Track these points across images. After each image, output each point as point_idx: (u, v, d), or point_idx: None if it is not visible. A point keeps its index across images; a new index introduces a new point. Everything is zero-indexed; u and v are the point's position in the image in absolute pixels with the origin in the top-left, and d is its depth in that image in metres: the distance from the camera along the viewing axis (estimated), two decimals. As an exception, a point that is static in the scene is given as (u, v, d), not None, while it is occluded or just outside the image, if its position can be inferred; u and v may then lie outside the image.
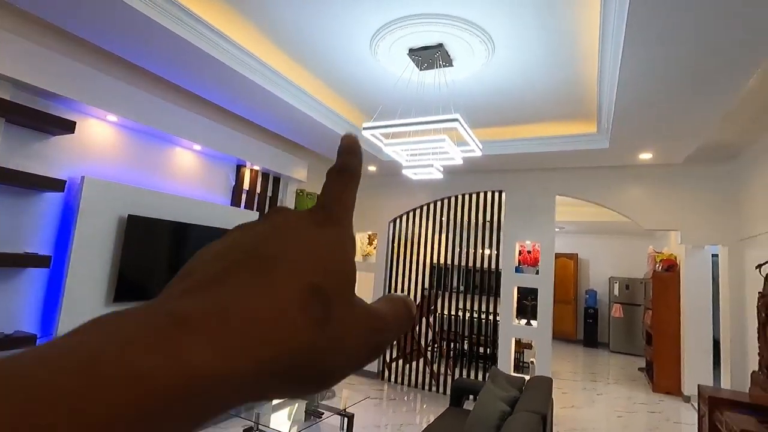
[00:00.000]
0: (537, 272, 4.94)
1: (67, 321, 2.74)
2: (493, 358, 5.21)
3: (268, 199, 4.63)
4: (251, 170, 4.36)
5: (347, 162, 0.26)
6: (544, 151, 4.25)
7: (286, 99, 3.40)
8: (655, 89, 2.69)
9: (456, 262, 5.55)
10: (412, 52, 2.81)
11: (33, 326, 2.71)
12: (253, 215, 4.24)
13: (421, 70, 2.98)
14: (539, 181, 5.01)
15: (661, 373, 5.93)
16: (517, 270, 5.05)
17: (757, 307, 3.47)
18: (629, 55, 2.30)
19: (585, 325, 9.47)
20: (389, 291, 5.83)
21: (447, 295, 5.69)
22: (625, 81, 2.60)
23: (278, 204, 4.75)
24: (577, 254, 10.03)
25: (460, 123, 2.42)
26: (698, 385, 3.75)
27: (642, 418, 4.82)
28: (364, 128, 2.67)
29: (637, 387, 6.21)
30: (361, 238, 6.27)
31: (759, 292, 3.46)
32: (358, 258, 6.10)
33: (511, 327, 4.98)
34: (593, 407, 5.13)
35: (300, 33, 2.76)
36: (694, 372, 5.47)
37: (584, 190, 4.81)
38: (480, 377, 5.27)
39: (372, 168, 5.58)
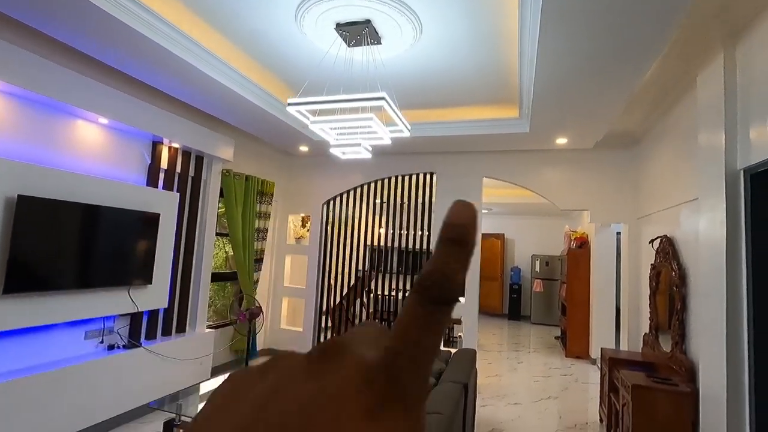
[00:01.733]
0: (465, 251, 5.15)
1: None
2: (424, 335, 5.40)
3: (190, 179, 4.32)
4: (170, 147, 4.04)
5: (469, 236, 0.19)
6: (471, 134, 4.40)
7: (205, 71, 3.16)
8: (568, 76, 2.87)
9: (394, 244, 5.63)
10: (340, 27, 2.73)
11: None
12: (173, 196, 3.95)
13: (349, 46, 2.91)
14: (467, 164, 5.20)
15: (573, 340, 6.55)
16: (447, 249, 5.23)
17: (649, 277, 3.92)
18: (545, 42, 2.42)
19: (510, 300, 10.16)
20: (323, 273, 5.79)
21: (387, 276, 5.76)
22: (542, 66, 2.74)
23: (201, 184, 4.47)
24: (503, 234, 10.65)
25: (387, 102, 2.41)
26: (601, 348, 4.18)
27: (556, 381, 5.30)
28: (288, 104, 2.57)
29: (552, 354, 6.81)
30: (294, 220, 6.12)
31: (651, 264, 3.91)
32: (290, 241, 5.97)
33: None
34: (515, 375, 5.54)
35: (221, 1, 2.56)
36: (600, 337, 6.10)
37: (509, 172, 5.08)
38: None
39: (303, 148, 5.43)
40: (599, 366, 5.94)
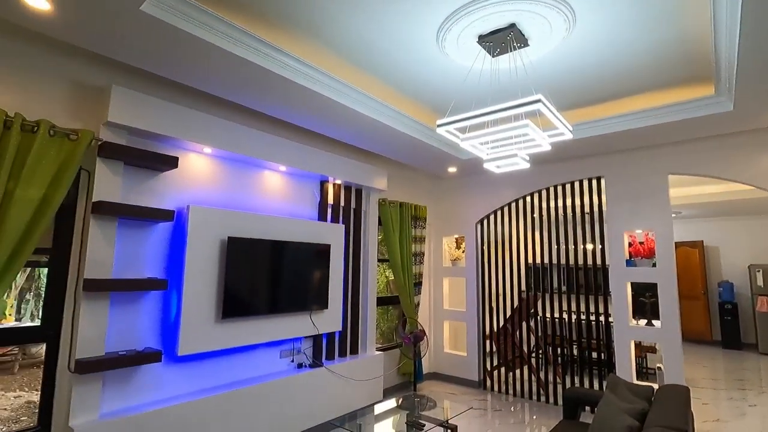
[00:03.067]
0: (654, 264, 4.31)
1: (186, 337, 3.02)
2: (609, 364, 4.64)
3: (352, 210, 4.71)
4: (334, 184, 4.48)
5: None
6: (649, 124, 3.71)
7: (359, 110, 3.44)
8: (793, 27, 2.18)
9: (554, 260, 5.09)
10: (482, 38, 2.64)
11: (155, 343, 3.02)
12: (340, 228, 4.34)
13: (493, 56, 2.79)
14: (645, 161, 4.40)
15: (839, 380, 4.78)
16: (629, 263, 4.47)
17: None
18: (753, -11, 1.88)
19: (722, 323, 8.09)
20: (483, 295, 5.56)
21: (547, 296, 5.24)
22: (752, 23, 2.14)
23: (362, 215, 4.82)
24: (702, 242, 8.67)
25: (543, 103, 2.19)
26: None
27: (818, 436, 3.90)
28: (438, 125, 2.56)
29: (804, 396, 5.08)
30: (448, 242, 6.10)
31: None
32: (446, 263, 5.94)
33: (627, 328, 4.39)
34: (746, 420, 4.29)
35: (362, 40, 2.76)
36: None
37: (706, 164, 4.10)
38: (595, 386, 4.73)
39: (452, 169, 5.42)
40: None
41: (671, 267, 4.19)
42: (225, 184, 3.56)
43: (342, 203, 4.56)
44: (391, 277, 5.81)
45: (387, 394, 4.93)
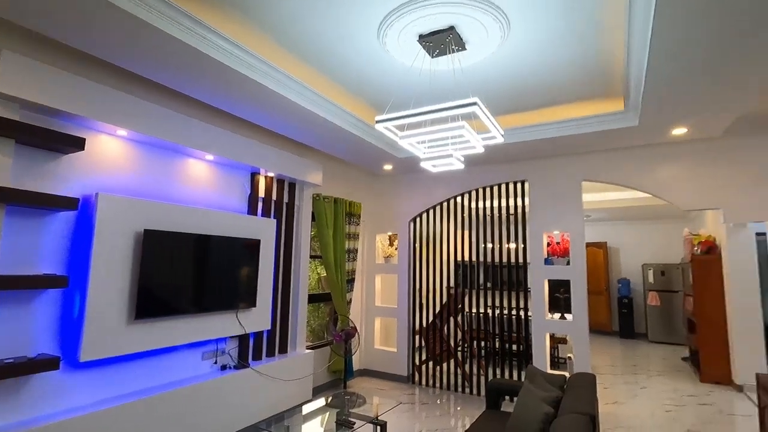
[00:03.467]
0: (568, 263, 4.71)
1: (91, 341, 2.69)
2: (527, 356, 4.99)
3: (284, 205, 4.55)
4: (266, 177, 4.29)
5: None
6: (568, 134, 4.03)
7: (295, 100, 3.31)
8: (689, 57, 2.47)
9: (481, 258, 5.35)
10: (423, 38, 2.67)
11: (54, 348, 2.67)
12: (271, 222, 4.16)
13: (432, 57, 2.83)
14: (563, 168, 4.78)
15: (709, 362, 5.59)
16: (547, 262, 4.82)
17: (819, 285, 3.17)
18: (662, 17, 2.10)
19: (620, 316, 9.09)
20: (414, 292, 5.68)
21: (474, 292, 5.49)
22: (657, 47, 2.39)
23: (295, 209, 4.67)
24: (606, 243, 9.66)
25: (479, 107, 2.26)
26: (756, 374, 3.45)
27: (692, 411, 4.52)
28: (377, 122, 2.54)
29: (682, 378, 5.88)
30: (381, 240, 6.14)
31: (819, 270, 3.16)
32: (379, 260, 5.98)
33: (544, 322, 4.75)
34: (637, 402, 4.84)
35: (304, 30, 2.66)
36: (745, 360, 5.12)
37: (614, 173, 4.56)
38: (515, 376, 5.06)
39: (387, 167, 5.45)
40: (749, 395, 4.96)
41: (582, 265, 4.60)
42: (142, 172, 3.23)
43: (274, 197, 4.39)
44: (323, 274, 5.72)
45: (317, 392, 4.84)
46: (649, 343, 8.43)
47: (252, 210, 4.12)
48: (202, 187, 3.70)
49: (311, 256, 5.08)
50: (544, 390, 2.83)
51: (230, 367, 3.78)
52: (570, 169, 4.75)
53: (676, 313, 8.25)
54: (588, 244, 9.57)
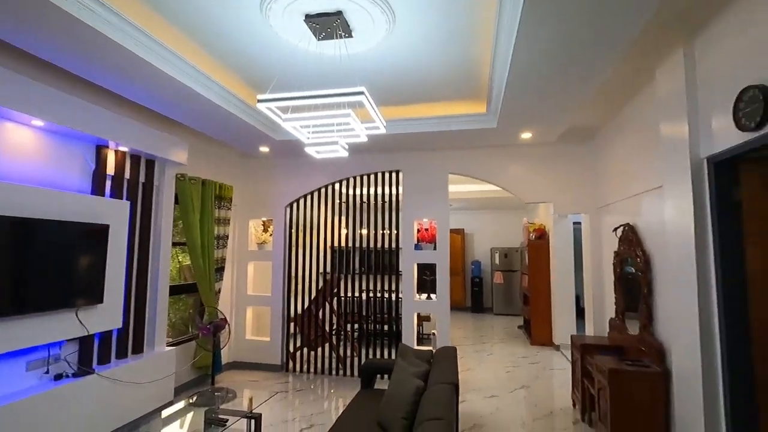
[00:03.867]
0: (434, 248, 5.16)
1: None
2: (397, 335, 5.34)
3: (141, 185, 3.96)
4: (117, 152, 3.67)
5: None
6: (440, 130, 4.37)
7: (156, 64, 2.87)
8: (541, 70, 2.90)
9: (357, 244, 5.51)
10: (309, 18, 2.58)
11: None
12: (123, 205, 3.59)
13: (319, 39, 2.76)
14: (433, 160, 5.19)
15: (537, 329, 6.78)
16: (416, 247, 5.21)
17: (613, 263, 4.10)
18: (523, 35, 2.41)
19: (472, 293, 10.37)
20: (289, 279, 5.56)
21: (349, 277, 5.63)
22: (517, 60, 2.74)
23: (154, 190, 4.12)
24: (463, 229, 10.85)
25: (366, 97, 2.29)
26: (571, 335, 4.32)
27: (526, 370, 5.44)
28: (258, 101, 2.38)
29: (517, 343, 7.01)
30: (255, 225, 5.83)
31: (614, 251, 4.08)
32: (253, 247, 5.69)
33: (413, 303, 5.14)
34: (485, 366, 5.62)
35: (173, -16, 2.32)
36: (562, 324, 6.35)
37: (475, 168, 5.12)
38: (387, 355, 5.37)
39: (264, 149, 5.17)
40: (564, 352, 6.18)
41: (446, 250, 5.09)
42: (-68, 135, 2.46)
43: (127, 175, 3.79)
44: (186, 262, 5.19)
45: (180, 392, 4.42)
46: (494, 315, 9.82)
47: (98, 190, 3.49)
48: (28, 159, 2.99)
49: (174, 243, 4.56)
50: (415, 365, 3.07)
51: (68, 376, 3.18)
52: (439, 162, 5.17)
53: (515, 289, 9.76)
54: (450, 231, 10.62)
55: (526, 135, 4.53)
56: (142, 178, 3.97)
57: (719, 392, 2.38)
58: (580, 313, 6.19)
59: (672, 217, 2.79)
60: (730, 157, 2.29)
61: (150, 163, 4.06)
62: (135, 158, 3.87)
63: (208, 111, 3.73)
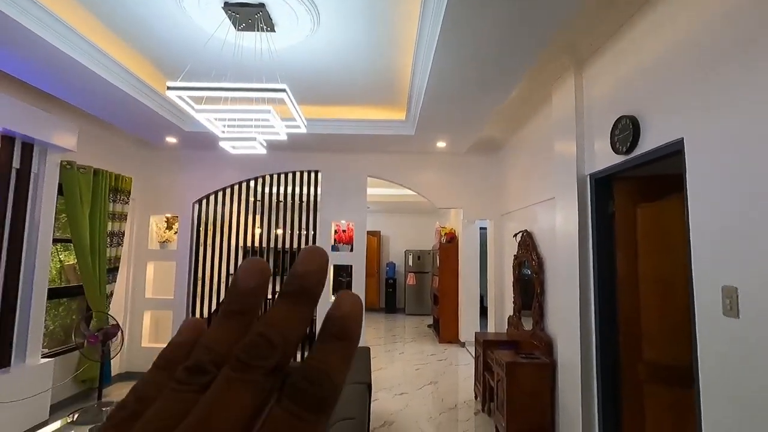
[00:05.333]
0: (351, 249, 5.20)
1: None
2: (311, 336, 5.27)
3: (14, 171, 3.41)
4: (-18, 131, 3.12)
5: (353, 330, 0.19)
6: (359, 133, 4.43)
7: (38, 32, 2.50)
8: (456, 84, 3.10)
9: (272, 244, 5.33)
10: (229, 6, 2.46)
11: None
12: (-10, 194, 3.06)
13: (237, 29, 2.64)
14: (353, 163, 5.23)
15: (445, 327, 7.17)
16: (333, 249, 5.20)
17: (513, 266, 4.50)
18: (442, 48, 2.56)
19: (386, 294, 10.62)
20: (194, 280, 5.19)
21: (262, 278, 5.41)
22: (435, 74, 2.89)
23: (31, 178, 3.57)
24: (380, 231, 11.07)
25: (288, 94, 2.25)
26: (475, 332, 4.65)
27: (433, 367, 5.73)
28: (168, 88, 2.20)
29: (427, 341, 7.34)
30: (157, 222, 5.34)
31: (514, 255, 4.49)
32: (154, 246, 5.22)
33: (328, 304, 5.10)
34: (396, 365, 5.80)
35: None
36: (467, 322, 6.80)
37: (392, 172, 5.28)
38: (301, 357, 5.26)
39: (171, 139, 4.77)
40: (469, 349, 6.63)
41: (363, 252, 5.16)
42: None
43: (-3, 159, 3.24)
44: (68, 262, 4.58)
45: (59, 409, 3.87)
46: (406, 315, 10.17)
47: (-45, 174, 2.93)
48: None
49: (55, 240, 3.99)
50: (328, 367, 3.07)
51: None
52: (358, 164, 5.23)
53: (426, 290, 10.21)
54: (367, 233, 10.76)
55: (441, 144, 4.79)
56: (16, 164, 3.42)
57: (593, 379, 2.75)
58: (483, 311, 6.69)
59: (561, 225, 3.16)
60: (607, 175, 2.67)
61: (27, 147, 3.51)
62: (7, 140, 3.32)
63: (106, 93, 3.35)
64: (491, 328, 5.46)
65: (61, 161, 3.83)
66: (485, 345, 4.20)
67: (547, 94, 3.51)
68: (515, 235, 4.42)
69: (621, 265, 2.64)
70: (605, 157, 2.66)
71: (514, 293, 4.46)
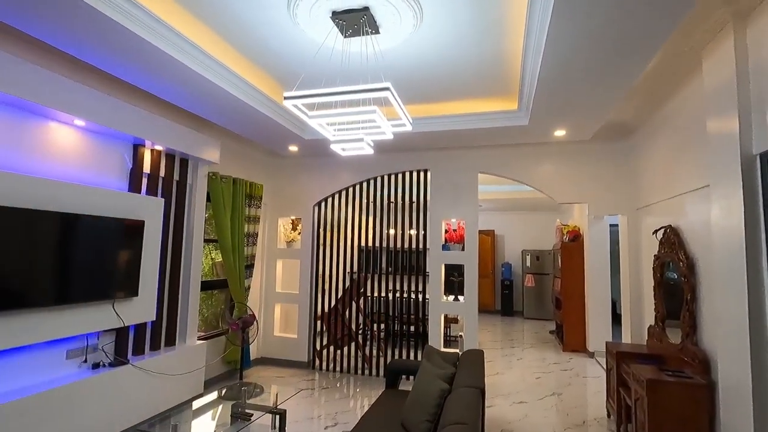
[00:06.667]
0: (462, 249, 5.06)
1: None
2: (423, 336, 5.28)
3: (175, 183, 4.09)
4: (153, 150, 3.80)
5: None
6: (469, 128, 4.28)
7: (190, 65, 2.95)
8: (574, 64, 2.78)
9: (384, 244, 5.48)
10: (336, 15, 2.57)
11: None
12: (158, 201, 3.71)
13: (345, 36, 2.75)
14: (462, 159, 5.09)
15: (570, 334, 6.52)
16: (444, 248, 5.12)
17: (653, 267, 3.87)
18: (555, 29, 2.31)
19: (502, 296, 10.13)
20: (317, 277, 5.60)
21: (376, 277, 5.62)
22: (548, 55, 2.63)
23: (187, 188, 4.24)
24: (494, 230, 10.62)
25: (391, 92, 2.26)
26: (606, 342, 4.12)
27: (556, 377, 5.25)
28: (285, 98, 2.39)
29: (548, 348, 6.78)
30: (284, 224, 5.92)
31: (654, 255, 3.86)
32: (281, 245, 5.77)
33: (440, 304, 5.06)
34: (515, 371, 5.46)
35: (204, -15, 2.37)
36: (596, 330, 6.08)
37: (505, 167, 4.99)
38: (413, 356, 5.32)
39: (293, 148, 5.24)
40: (598, 360, 5.92)
41: (475, 251, 4.98)
42: (-16, 134, 2.62)
43: (162, 173, 3.92)
44: (218, 259, 5.32)
45: (210, 385, 4.53)
46: (525, 319, 9.56)
47: (134, 187, 3.63)
48: (70, 158, 3.14)
49: (206, 240, 4.69)
50: (440, 367, 3.01)
51: (105, 365, 3.32)
52: (468, 161, 5.07)
53: (546, 292, 9.46)
54: (479, 232, 10.43)
55: (560, 132, 4.36)
56: (176, 177, 4.10)
57: (772, 408, 2.19)
58: (616, 319, 5.91)
59: (719, 218, 2.60)
60: (787, 152, 2.10)
61: (184, 162, 4.18)
62: (170, 157, 4.00)
63: (238, 109, 3.81)
64: (626, 338, 4.79)
65: (208, 172, 4.48)
66: (619, 357, 3.69)
67: (695, 62, 2.93)
68: (655, 232, 3.79)
69: (812, 266, 2.05)
70: (783, 131, 2.10)
71: (655, 299, 3.83)
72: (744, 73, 2.42)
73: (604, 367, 4.34)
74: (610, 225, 6.31)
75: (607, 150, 4.76)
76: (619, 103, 3.58)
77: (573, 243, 6.80)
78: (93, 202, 3.11)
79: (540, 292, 9.55)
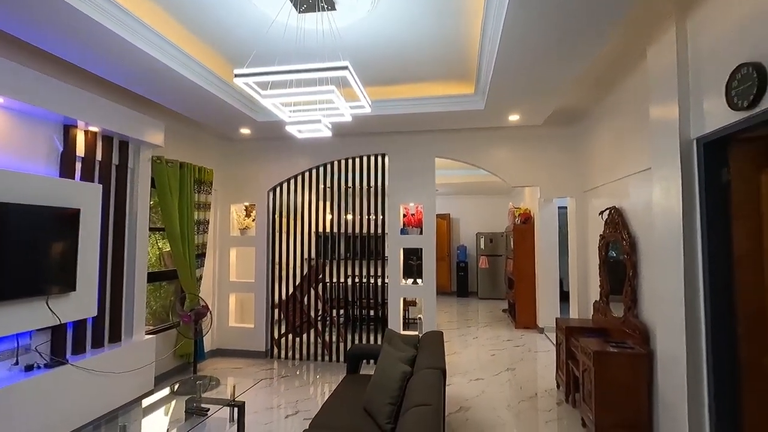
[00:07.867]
0: (421, 232, 5.10)
1: None
2: (383, 320, 5.31)
3: (114, 167, 3.78)
4: (87, 132, 3.47)
5: None
6: (425, 111, 4.27)
7: (127, 38, 2.68)
8: (530, 49, 2.81)
9: (342, 229, 5.41)
10: (289, -12, 2.43)
11: None
12: (95, 188, 3.41)
13: (299, 12, 2.61)
14: (420, 144, 5.09)
15: (521, 312, 6.84)
16: (402, 232, 5.14)
17: (599, 247, 4.10)
18: (512, 13, 2.31)
19: (457, 278, 10.42)
20: (272, 265, 5.45)
21: (335, 263, 5.56)
22: (505, 39, 2.64)
23: (128, 173, 3.93)
24: (449, 214, 10.84)
25: (350, 71, 2.18)
26: (555, 318, 4.34)
27: (510, 353, 5.49)
28: (236, 75, 2.24)
29: (502, 326, 7.07)
30: (237, 210, 5.68)
31: (600, 235, 4.09)
32: (234, 232, 5.55)
33: (399, 288, 5.10)
34: (471, 350, 5.65)
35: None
36: (546, 307, 6.41)
37: (461, 151, 5.05)
38: (373, 340, 5.34)
39: (245, 131, 5.00)
40: (548, 335, 6.26)
41: (433, 235, 5.04)
42: None
43: (99, 157, 3.60)
44: (166, 249, 5.03)
45: (161, 381, 4.31)
46: (479, 299, 9.90)
47: (67, 172, 3.30)
48: (-15, 138, 2.79)
49: (152, 229, 4.39)
50: (401, 350, 3.03)
51: (40, 367, 3.05)
52: (425, 145, 5.08)
53: (499, 273, 9.83)
54: (436, 215, 10.60)
55: (514, 117, 4.46)
56: (115, 160, 3.78)
57: (703, 374, 2.40)
58: (564, 296, 6.25)
59: (660, 199, 2.77)
60: (720, 137, 2.26)
61: (123, 145, 3.86)
62: (107, 139, 3.68)
63: (184, 89, 3.55)
64: (574, 314, 5.08)
65: (152, 156, 4.17)
66: (568, 332, 3.90)
67: (640, 51, 3.07)
68: (601, 213, 4.00)
69: (740, 241, 2.24)
70: (717, 117, 2.25)
71: (600, 277, 4.07)
72: (684, 62, 2.56)
73: (554, 341, 4.59)
74: (559, 207, 6.62)
75: (558, 135, 4.94)
76: (570, 89, 3.70)
77: (524, 225, 7.08)
78: (19, 189, 2.79)
79: (493, 273, 9.91)
